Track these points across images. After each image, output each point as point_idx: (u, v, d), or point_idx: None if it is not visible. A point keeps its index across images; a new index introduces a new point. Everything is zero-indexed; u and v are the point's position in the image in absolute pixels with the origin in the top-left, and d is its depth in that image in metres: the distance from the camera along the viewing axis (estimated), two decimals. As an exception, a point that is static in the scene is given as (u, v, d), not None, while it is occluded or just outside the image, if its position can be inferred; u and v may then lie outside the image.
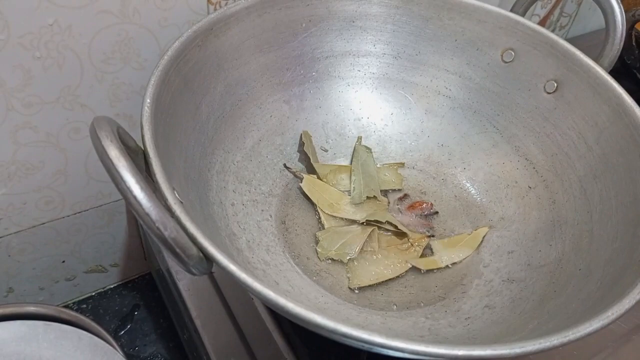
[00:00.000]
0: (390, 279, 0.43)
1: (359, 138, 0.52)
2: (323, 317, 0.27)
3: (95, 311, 0.62)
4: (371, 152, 0.52)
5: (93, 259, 0.60)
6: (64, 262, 0.58)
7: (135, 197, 0.26)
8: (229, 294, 0.45)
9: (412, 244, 0.46)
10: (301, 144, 0.51)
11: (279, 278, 0.41)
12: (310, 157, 0.49)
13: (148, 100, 0.35)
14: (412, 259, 0.45)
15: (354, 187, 0.50)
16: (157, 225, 0.27)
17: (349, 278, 0.43)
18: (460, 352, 0.26)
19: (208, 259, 0.29)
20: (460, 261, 0.45)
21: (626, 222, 0.38)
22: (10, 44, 0.41)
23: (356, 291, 0.42)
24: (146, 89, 0.36)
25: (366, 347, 0.29)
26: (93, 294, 0.64)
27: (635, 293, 0.30)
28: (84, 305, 0.63)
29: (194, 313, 0.44)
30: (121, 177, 0.26)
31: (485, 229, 0.47)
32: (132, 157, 0.28)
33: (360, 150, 0.51)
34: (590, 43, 0.47)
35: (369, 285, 0.43)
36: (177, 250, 0.27)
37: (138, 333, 0.62)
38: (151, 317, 0.63)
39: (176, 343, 0.61)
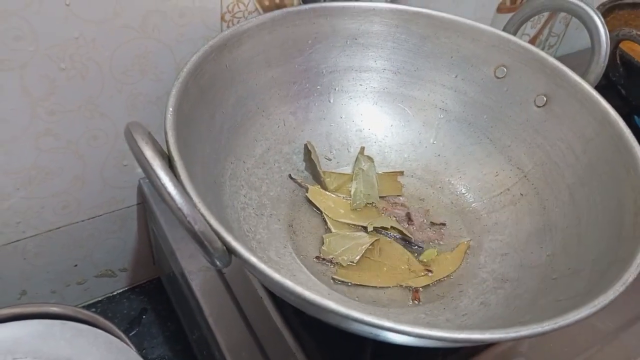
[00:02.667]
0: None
1: (362, 148, 0.55)
2: (337, 304, 0.29)
3: (104, 315, 0.64)
4: (372, 162, 0.55)
5: (104, 264, 0.63)
6: (76, 266, 0.60)
7: (169, 194, 0.29)
8: (240, 293, 0.48)
9: (410, 269, 0.48)
10: (306, 154, 0.53)
11: (288, 276, 0.43)
12: (317, 165, 0.52)
13: (170, 109, 0.38)
14: (404, 280, 0.47)
15: (354, 194, 0.53)
16: (188, 219, 0.29)
17: (337, 269, 0.46)
18: (461, 335, 0.29)
19: (230, 252, 0.32)
20: (448, 276, 0.48)
21: (611, 225, 0.41)
22: (39, 55, 0.44)
23: (348, 283, 0.45)
24: (168, 98, 0.38)
25: (374, 333, 0.32)
26: (102, 298, 0.66)
27: (619, 286, 0.33)
28: (93, 309, 0.65)
29: (206, 311, 0.47)
30: (157, 175, 0.29)
31: (465, 245, 0.49)
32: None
33: (362, 159, 0.54)
34: (577, 62, 0.51)
35: (372, 286, 0.46)
36: (205, 242, 0.30)
37: (146, 336, 0.64)
38: (158, 320, 0.65)
39: (183, 346, 0.63)
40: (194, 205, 0.30)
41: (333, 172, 0.54)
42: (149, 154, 0.30)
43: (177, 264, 0.51)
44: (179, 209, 0.29)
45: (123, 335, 0.50)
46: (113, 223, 0.59)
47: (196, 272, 0.50)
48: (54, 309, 0.50)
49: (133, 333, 0.64)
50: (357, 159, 0.55)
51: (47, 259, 0.58)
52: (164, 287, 0.67)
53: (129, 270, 0.66)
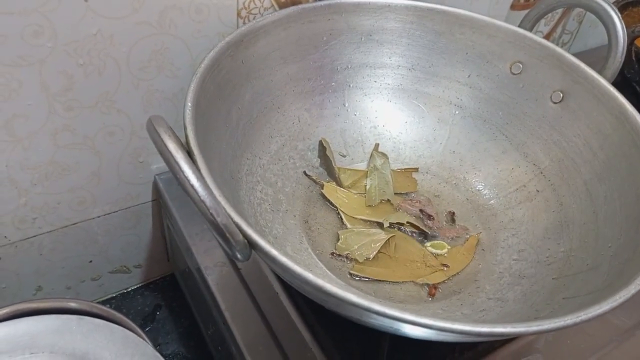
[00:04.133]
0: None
1: (376, 145, 0.55)
2: (359, 297, 0.29)
3: (118, 311, 0.65)
4: (387, 158, 0.55)
5: (118, 260, 0.63)
6: (91, 262, 0.61)
7: (192, 186, 0.29)
8: (256, 289, 0.48)
9: (426, 264, 0.48)
10: (321, 150, 0.54)
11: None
12: (332, 161, 0.52)
13: (189, 104, 0.38)
14: (420, 275, 0.47)
15: (369, 190, 0.53)
16: (211, 211, 0.30)
17: (354, 264, 0.46)
18: (484, 328, 0.29)
19: (251, 245, 0.32)
20: (462, 270, 0.48)
21: (629, 220, 0.41)
22: (57, 51, 0.44)
23: (364, 279, 0.46)
24: (187, 93, 0.39)
25: (394, 327, 0.32)
26: (116, 294, 0.67)
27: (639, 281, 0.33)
28: (108, 305, 0.65)
29: (223, 306, 0.47)
30: (180, 168, 0.29)
31: (475, 238, 0.50)
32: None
33: (376, 156, 0.54)
34: (591, 59, 0.51)
35: (389, 281, 0.46)
36: (227, 235, 0.30)
37: (160, 332, 0.64)
38: (172, 317, 0.65)
39: (197, 341, 0.63)
40: (216, 198, 0.30)
41: (348, 169, 0.54)
42: (172, 146, 0.30)
43: (193, 259, 0.51)
44: (202, 201, 0.29)
45: (139, 330, 0.50)
46: (128, 219, 0.59)
47: (212, 267, 0.50)
48: (71, 304, 0.50)
49: (147, 329, 0.64)
50: (371, 155, 0.55)
51: (63, 254, 0.58)
52: (177, 284, 0.67)
53: (143, 266, 0.66)
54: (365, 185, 0.53)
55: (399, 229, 0.50)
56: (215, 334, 0.53)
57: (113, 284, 0.65)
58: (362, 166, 0.55)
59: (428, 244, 0.49)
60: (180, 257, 0.57)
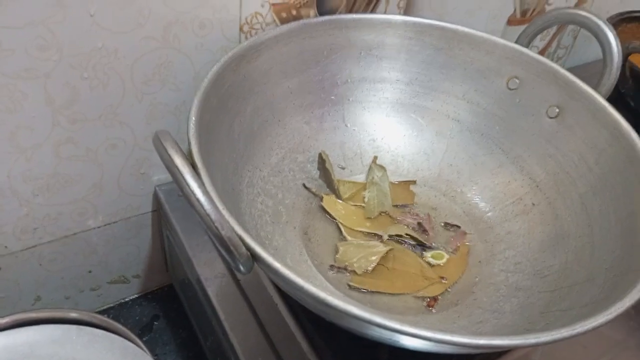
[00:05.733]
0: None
1: (375, 158, 0.56)
2: (359, 309, 0.30)
3: (116, 321, 0.65)
4: (385, 171, 0.55)
5: (117, 270, 0.63)
6: (90, 272, 0.61)
7: (198, 200, 0.30)
8: (255, 300, 0.49)
9: (424, 277, 0.48)
10: (320, 162, 0.54)
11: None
12: (331, 174, 0.53)
13: (193, 118, 0.39)
14: (418, 288, 0.47)
15: (367, 202, 0.54)
16: (215, 224, 0.30)
17: (353, 276, 0.47)
18: (482, 341, 0.30)
19: (254, 257, 0.32)
20: (457, 281, 0.48)
21: (624, 234, 0.41)
22: (62, 65, 0.44)
23: (363, 291, 0.46)
24: (191, 107, 0.39)
25: (394, 338, 0.33)
26: (114, 304, 0.67)
27: (635, 292, 0.34)
28: (106, 315, 0.65)
29: (222, 316, 0.47)
30: (186, 182, 0.30)
31: (467, 247, 0.50)
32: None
33: (375, 169, 0.55)
34: (586, 74, 0.52)
35: (388, 293, 0.46)
36: (231, 248, 0.31)
37: (157, 342, 0.64)
38: (170, 327, 0.66)
39: (195, 353, 0.63)
40: (221, 211, 0.31)
41: (347, 181, 0.55)
42: (179, 161, 0.31)
43: (193, 270, 0.52)
44: (207, 215, 0.30)
45: (139, 341, 0.50)
46: (128, 230, 0.60)
47: (212, 278, 0.50)
48: (71, 314, 0.50)
49: (145, 339, 0.64)
50: (370, 168, 0.56)
51: (62, 264, 0.58)
52: (175, 294, 0.67)
53: (142, 276, 0.66)
54: (364, 198, 0.54)
55: (398, 241, 0.51)
56: (214, 344, 0.53)
57: (112, 294, 0.66)
58: (361, 178, 0.56)
59: (428, 254, 0.50)
60: (180, 267, 0.58)
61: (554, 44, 0.81)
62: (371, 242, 0.50)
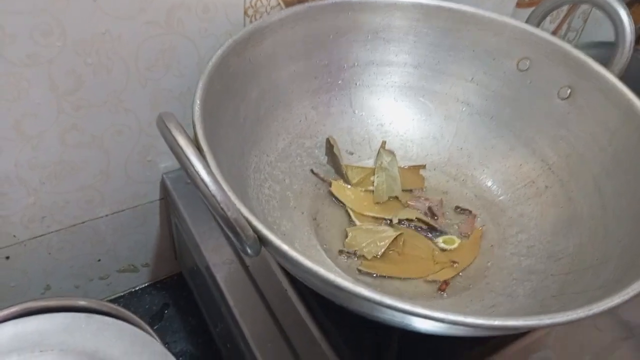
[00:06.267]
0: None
1: (383, 142, 0.55)
2: (370, 291, 0.29)
3: (126, 309, 0.65)
4: (394, 156, 0.55)
5: (126, 259, 0.63)
6: (99, 260, 0.61)
7: (203, 181, 0.29)
8: (264, 285, 0.48)
9: (435, 261, 0.48)
10: (328, 148, 0.54)
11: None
12: (339, 159, 0.52)
13: (198, 101, 0.38)
14: (429, 272, 0.47)
15: (377, 187, 0.53)
16: (221, 206, 0.30)
17: (362, 261, 0.46)
18: (496, 322, 0.29)
19: (261, 240, 0.32)
20: (470, 264, 0.48)
21: (638, 215, 0.40)
22: (66, 51, 0.44)
23: (375, 276, 0.46)
24: (195, 91, 0.39)
25: (405, 321, 0.32)
26: (124, 293, 0.67)
27: (651, 273, 0.33)
28: (116, 304, 0.65)
29: (231, 303, 0.47)
30: (190, 163, 0.30)
31: (480, 231, 0.50)
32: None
33: (384, 154, 0.55)
34: (596, 57, 0.50)
35: (399, 277, 0.46)
36: (238, 229, 0.31)
37: (167, 330, 0.64)
38: (180, 315, 0.66)
39: (205, 339, 0.63)
40: (227, 192, 0.31)
41: (355, 166, 0.54)
42: (183, 142, 0.30)
43: (202, 257, 0.51)
44: (213, 196, 0.29)
45: (148, 328, 0.50)
46: (136, 218, 0.60)
47: (221, 264, 0.50)
48: (80, 303, 0.50)
49: (155, 328, 0.64)
50: (378, 153, 0.55)
51: (71, 253, 0.58)
52: (185, 283, 0.67)
53: (151, 265, 0.66)
54: (373, 182, 0.53)
55: (408, 226, 0.50)
56: (223, 331, 0.53)
57: (121, 282, 0.66)
58: (370, 163, 0.55)
59: (440, 239, 0.49)
60: (188, 255, 0.58)
61: (564, 27, 0.80)
62: (381, 226, 0.49)
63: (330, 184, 0.52)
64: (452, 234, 0.50)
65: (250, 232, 0.31)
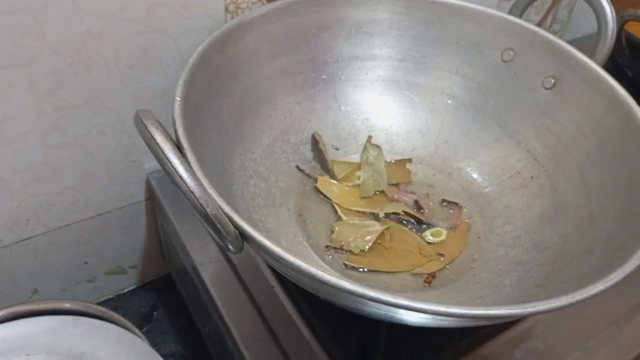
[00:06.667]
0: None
1: (369, 137, 0.55)
2: (352, 284, 0.29)
3: (114, 312, 0.64)
4: (381, 150, 0.54)
5: (113, 260, 0.63)
6: (86, 263, 0.61)
7: (181, 177, 0.29)
8: (251, 283, 0.48)
9: (422, 254, 0.48)
10: (314, 144, 0.53)
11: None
12: (324, 154, 0.52)
13: (178, 98, 0.38)
14: (416, 265, 0.47)
15: (363, 182, 0.53)
16: (200, 202, 0.29)
17: (349, 256, 0.46)
18: (479, 311, 0.29)
19: (243, 235, 0.32)
20: (455, 257, 0.48)
21: (623, 203, 0.40)
22: (46, 51, 0.44)
23: (362, 270, 0.45)
24: (176, 88, 0.38)
25: (390, 313, 0.32)
26: (112, 295, 0.66)
27: (635, 259, 0.33)
28: (104, 307, 0.65)
29: (218, 302, 0.47)
30: (168, 159, 0.29)
31: (466, 223, 0.50)
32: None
33: (370, 148, 0.54)
34: (582, 47, 0.50)
35: (385, 271, 0.45)
36: (218, 225, 0.30)
37: (157, 332, 0.64)
38: (169, 316, 0.65)
39: (194, 340, 0.63)
40: (205, 188, 0.30)
41: (341, 161, 0.54)
42: (160, 138, 0.30)
43: (188, 257, 0.51)
44: (191, 192, 0.29)
45: (135, 329, 0.50)
46: (122, 219, 0.59)
47: (207, 264, 0.50)
48: (66, 305, 0.50)
49: (144, 330, 0.64)
50: (365, 147, 0.55)
51: (58, 256, 0.58)
52: (173, 284, 0.67)
53: (139, 266, 0.66)
54: (359, 177, 0.53)
55: (395, 220, 0.50)
56: (212, 331, 0.53)
57: (109, 285, 0.65)
58: (356, 158, 0.55)
59: (427, 232, 0.49)
60: (175, 255, 0.57)
61: (550, 18, 0.80)
62: (367, 221, 0.49)
63: (316, 180, 0.52)
64: (439, 227, 0.50)
65: (231, 227, 0.31)
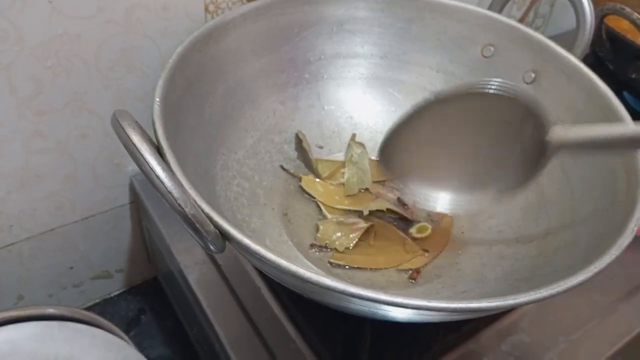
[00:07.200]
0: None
1: (353, 135, 0.55)
2: (334, 281, 0.29)
3: (101, 317, 0.64)
4: (364, 148, 0.54)
5: (99, 265, 0.62)
6: (72, 268, 0.60)
7: (158, 177, 0.29)
8: (237, 284, 0.48)
9: (406, 250, 0.48)
10: (297, 142, 0.53)
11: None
12: (308, 153, 0.52)
13: (157, 99, 0.38)
14: (400, 261, 0.47)
15: (347, 180, 0.53)
16: (178, 202, 0.29)
17: (334, 253, 0.46)
18: (460, 304, 0.29)
19: (223, 235, 0.31)
20: (440, 252, 0.48)
21: (605, 195, 0.41)
22: (24, 55, 0.43)
23: (347, 267, 0.45)
24: (155, 89, 0.38)
25: (372, 310, 0.32)
26: (99, 300, 0.66)
27: (614, 250, 0.33)
28: (91, 312, 0.64)
29: (204, 303, 0.46)
30: (145, 159, 0.29)
31: (450, 217, 0.50)
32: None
33: (354, 146, 0.54)
34: (564, 43, 0.51)
35: (370, 268, 0.45)
36: (197, 225, 0.30)
37: (145, 336, 0.63)
38: (157, 320, 0.65)
39: (183, 343, 0.62)
40: (184, 189, 0.30)
41: (325, 160, 0.54)
42: (136, 138, 0.30)
43: (173, 259, 0.51)
44: (169, 192, 0.29)
45: (122, 333, 0.50)
46: (107, 223, 0.59)
47: (192, 266, 0.49)
48: (51, 311, 0.49)
49: (132, 334, 0.63)
50: (349, 145, 0.55)
51: (43, 261, 0.57)
52: (161, 287, 0.67)
53: (125, 270, 0.65)
54: (344, 175, 0.53)
55: (380, 217, 0.50)
56: (199, 333, 0.52)
57: (95, 289, 0.65)
58: (340, 157, 0.55)
59: (413, 228, 0.49)
60: (161, 258, 0.57)
61: (531, 14, 0.80)
62: (352, 218, 0.49)
63: (300, 179, 0.52)
64: (424, 223, 0.50)
65: (211, 227, 0.31)
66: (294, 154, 0.53)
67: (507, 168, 0.39)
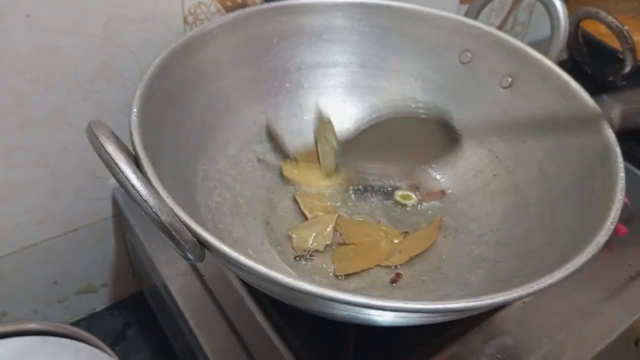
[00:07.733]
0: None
1: (319, 112, 0.55)
2: (312, 285, 0.29)
3: (87, 332, 0.63)
4: (331, 123, 0.54)
5: (84, 279, 0.62)
6: (55, 283, 0.60)
7: (133, 186, 0.29)
8: (220, 295, 0.48)
9: (386, 236, 0.49)
10: (270, 137, 0.54)
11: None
12: (282, 146, 0.53)
13: (135, 110, 0.38)
14: (384, 255, 0.48)
15: (322, 158, 0.53)
16: (154, 210, 0.29)
17: (334, 268, 0.46)
18: (439, 305, 0.29)
19: (202, 243, 0.31)
20: (424, 251, 0.48)
21: (581, 194, 0.41)
22: (2, 69, 0.43)
23: (341, 278, 0.45)
24: (132, 100, 0.38)
25: (352, 313, 0.32)
26: (85, 315, 0.66)
27: (591, 248, 0.33)
28: (75, 327, 0.64)
29: (187, 314, 0.46)
30: (119, 168, 0.29)
31: (439, 220, 0.50)
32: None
33: (321, 122, 0.55)
34: (543, 49, 0.51)
35: (352, 273, 0.46)
36: (174, 234, 0.30)
37: (130, 350, 0.63)
38: (142, 334, 0.64)
39: (168, 357, 0.62)
40: (160, 197, 0.30)
41: (303, 151, 0.54)
42: (111, 148, 0.30)
43: (156, 271, 0.51)
44: (144, 200, 0.29)
45: (106, 347, 0.49)
46: (90, 236, 0.59)
47: (175, 277, 0.49)
48: (32, 326, 0.49)
49: (118, 348, 0.63)
50: (316, 119, 0.55)
51: (26, 277, 0.57)
52: (146, 301, 0.66)
53: (110, 285, 0.65)
54: (318, 154, 0.54)
55: (364, 191, 0.52)
56: (184, 345, 0.52)
57: (81, 305, 0.64)
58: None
59: (397, 193, 0.52)
60: (145, 271, 0.57)
61: (510, 21, 0.81)
62: (316, 218, 0.49)
63: (281, 168, 0.53)
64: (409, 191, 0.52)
65: (188, 235, 0.31)
66: (275, 162, 0.54)
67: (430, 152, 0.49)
